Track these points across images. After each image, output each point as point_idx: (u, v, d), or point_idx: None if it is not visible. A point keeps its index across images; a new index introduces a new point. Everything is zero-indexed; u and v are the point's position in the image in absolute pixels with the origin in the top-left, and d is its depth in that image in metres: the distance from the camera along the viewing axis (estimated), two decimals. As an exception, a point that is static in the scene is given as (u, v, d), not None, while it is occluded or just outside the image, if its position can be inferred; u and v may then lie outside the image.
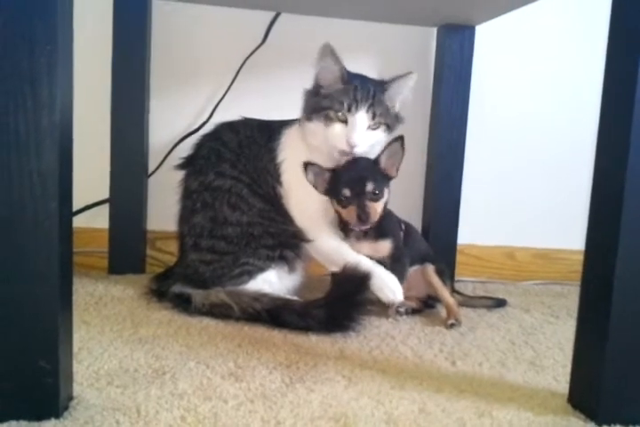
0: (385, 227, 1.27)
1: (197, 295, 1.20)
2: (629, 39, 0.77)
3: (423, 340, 1.13)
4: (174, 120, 1.60)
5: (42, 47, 0.67)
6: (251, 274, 1.23)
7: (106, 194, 1.51)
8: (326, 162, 1.23)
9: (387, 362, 1.00)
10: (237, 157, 1.28)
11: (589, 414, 0.81)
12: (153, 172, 1.57)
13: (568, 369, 0.87)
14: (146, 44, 1.48)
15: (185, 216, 1.31)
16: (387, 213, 1.29)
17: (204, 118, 1.57)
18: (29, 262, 0.70)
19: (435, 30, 1.64)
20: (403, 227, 1.33)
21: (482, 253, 1.72)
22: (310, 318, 1.12)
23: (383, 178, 1.22)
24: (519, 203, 1.74)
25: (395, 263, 1.26)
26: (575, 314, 0.86)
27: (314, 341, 1.08)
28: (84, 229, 1.53)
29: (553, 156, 1.73)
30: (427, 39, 1.66)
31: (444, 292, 1.28)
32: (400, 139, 1.20)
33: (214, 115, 1.57)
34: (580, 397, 0.84)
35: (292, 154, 1.27)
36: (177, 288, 1.25)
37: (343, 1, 1.41)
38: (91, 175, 1.45)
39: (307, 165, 1.21)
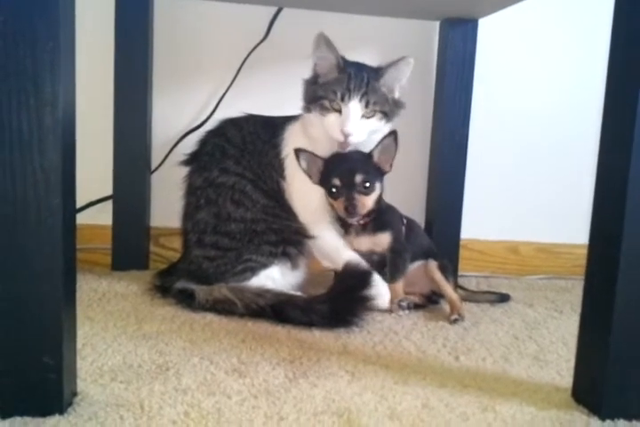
0: (384, 220, 1.27)
1: (201, 291, 1.20)
2: (633, 33, 0.76)
3: (426, 335, 1.13)
4: (177, 116, 1.60)
5: (44, 45, 0.67)
6: (254, 270, 1.24)
7: (109, 191, 1.51)
8: (330, 152, 1.24)
9: (390, 357, 1.00)
10: (241, 153, 1.28)
11: (593, 408, 0.81)
12: (156, 168, 1.57)
13: (572, 364, 0.87)
14: (148, 40, 1.48)
15: (189, 212, 1.31)
16: (387, 207, 1.29)
17: (207, 114, 1.57)
18: (33, 259, 0.70)
19: (437, 24, 1.63)
20: (404, 222, 1.33)
21: (485, 247, 1.72)
22: (313, 313, 1.12)
23: (376, 172, 1.22)
24: (522, 197, 1.74)
25: (395, 257, 1.26)
26: (579, 309, 0.86)
27: (317, 336, 1.09)
28: (88, 226, 1.53)
29: (556, 150, 1.73)
30: (429, 33, 1.66)
31: (447, 287, 1.28)
32: (393, 134, 1.20)
33: (217, 111, 1.56)
34: (584, 391, 0.84)
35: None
36: (180, 284, 1.25)
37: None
38: (94, 172, 1.46)
39: (298, 152, 1.22)
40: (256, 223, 1.24)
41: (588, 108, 1.62)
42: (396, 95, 1.27)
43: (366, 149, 1.23)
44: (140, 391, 0.82)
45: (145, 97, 1.49)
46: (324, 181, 1.23)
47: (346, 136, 1.19)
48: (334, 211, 1.26)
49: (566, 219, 1.70)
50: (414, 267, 1.31)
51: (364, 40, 1.63)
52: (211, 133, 1.34)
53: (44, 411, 0.73)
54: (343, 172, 1.20)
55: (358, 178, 1.19)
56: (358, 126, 1.19)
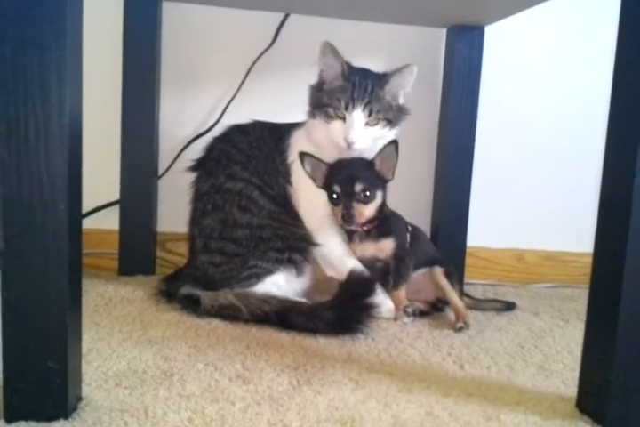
0: (388, 227, 1.28)
1: (206, 297, 1.20)
2: (638, 38, 0.76)
3: (431, 343, 1.12)
4: (184, 122, 1.61)
5: (51, 51, 0.68)
6: (259, 277, 1.24)
7: (116, 195, 1.52)
8: (334, 157, 1.24)
9: (394, 365, 1.00)
10: (248, 159, 1.29)
11: (597, 418, 0.81)
12: (163, 173, 1.58)
13: (577, 373, 0.87)
14: (156, 45, 1.49)
15: (195, 218, 1.31)
16: (391, 214, 1.29)
17: (214, 120, 1.58)
18: (38, 264, 0.71)
19: (444, 31, 1.63)
20: (409, 229, 1.33)
21: (491, 255, 1.71)
22: (318, 320, 1.12)
23: (377, 180, 1.23)
24: (528, 205, 1.73)
25: (398, 263, 1.26)
26: (585, 318, 0.85)
27: (322, 343, 1.08)
28: (95, 231, 1.54)
29: (563, 158, 1.72)
30: (436, 40, 1.66)
31: (453, 295, 1.28)
32: (394, 143, 1.21)
33: (224, 116, 1.57)
34: (589, 401, 0.84)
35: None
36: (186, 290, 1.25)
37: (352, 2, 1.42)
38: (101, 177, 1.47)
39: (302, 156, 1.22)
40: (262, 229, 1.25)
41: (594, 116, 1.62)
42: (401, 101, 1.27)
43: (371, 155, 1.23)
44: (145, 397, 0.82)
45: (152, 102, 1.50)
46: (326, 186, 1.24)
47: (349, 144, 1.20)
48: (334, 217, 1.26)
49: (573, 227, 1.70)
50: (419, 274, 1.31)
51: (370, 47, 1.63)
52: (217, 139, 1.35)
53: (49, 416, 0.73)
54: (344, 179, 1.20)
55: (358, 187, 1.20)
56: (362, 134, 1.20)
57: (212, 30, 1.60)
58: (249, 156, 1.29)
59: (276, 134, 1.32)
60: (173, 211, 1.43)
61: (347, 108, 1.20)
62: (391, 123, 1.24)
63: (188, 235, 1.35)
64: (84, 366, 0.84)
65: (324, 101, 1.22)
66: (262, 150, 1.30)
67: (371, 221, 1.24)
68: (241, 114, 1.37)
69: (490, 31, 1.58)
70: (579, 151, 1.70)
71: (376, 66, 1.29)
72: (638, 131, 0.75)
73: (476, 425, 0.79)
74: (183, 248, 1.44)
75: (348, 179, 1.20)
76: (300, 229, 1.27)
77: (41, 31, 0.68)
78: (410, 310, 1.25)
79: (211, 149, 1.34)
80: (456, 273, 1.34)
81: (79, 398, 0.79)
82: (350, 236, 1.29)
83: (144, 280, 1.46)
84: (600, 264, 0.83)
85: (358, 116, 1.20)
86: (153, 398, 0.82)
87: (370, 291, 1.14)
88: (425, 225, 1.60)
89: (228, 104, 1.58)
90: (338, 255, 1.28)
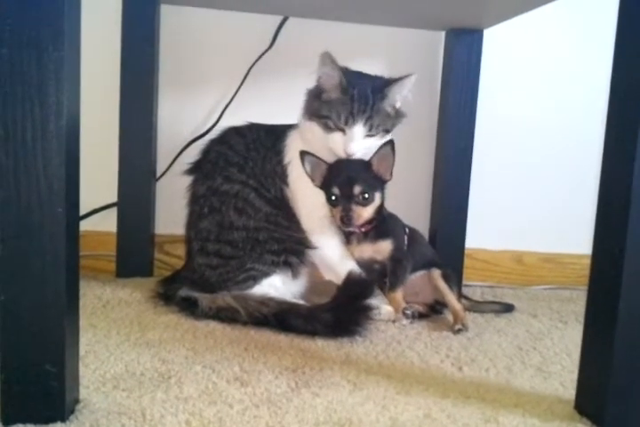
0: (386, 228, 1.28)
1: (204, 299, 1.20)
2: (637, 42, 0.77)
3: (430, 345, 1.12)
4: (182, 124, 1.61)
5: (49, 54, 0.68)
6: (256, 279, 1.24)
7: (114, 198, 1.52)
8: (328, 159, 1.25)
9: (392, 367, 1.00)
10: (245, 161, 1.29)
11: (596, 420, 0.81)
12: (161, 175, 1.58)
13: (575, 375, 0.87)
14: (154, 48, 1.49)
15: (192, 221, 1.31)
16: (389, 216, 1.29)
17: (213, 122, 1.58)
18: (35, 267, 0.71)
19: (443, 34, 1.64)
20: (407, 231, 1.33)
21: (490, 257, 1.71)
22: (317, 322, 1.12)
23: (376, 182, 1.23)
24: (527, 207, 1.74)
25: (395, 265, 1.26)
26: (583, 319, 0.85)
27: (320, 345, 1.08)
28: (93, 233, 1.54)
29: (561, 160, 1.73)
30: (435, 43, 1.66)
31: (451, 297, 1.27)
32: (390, 143, 1.21)
33: (222, 119, 1.57)
34: (587, 403, 0.84)
35: (297, 155, 1.27)
36: (184, 292, 1.25)
37: (351, 5, 1.42)
38: (99, 179, 1.47)
39: (303, 155, 1.23)
40: (258, 232, 1.25)
41: (592, 119, 1.62)
42: (397, 106, 1.28)
43: (368, 155, 1.24)
44: (142, 400, 0.82)
45: (151, 104, 1.50)
46: (325, 187, 1.24)
47: (348, 155, 1.21)
48: (333, 218, 1.26)
49: (571, 229, 1.69)
50: (417, 276, 1.31)
51: (369, 50, 1.63)
52: (214, 142, 1.34)
53: (47, 418, 0.73)
54: (343, 181, 1.21)
55: (357, 189, 1.20)
56: (361, 146, 1.21)
57: (211, 33, 1.60)
58: (246, 158, 1.29)
59: (273, 136, 1.32)
60: (171, 213, 1.43)
61: (346, 123, 1.20)
62: (389, 132, 1.26)
63: (185, 237, 1.35)
64: (82, 369, 0.83)
65: (323, 113, 1.22)
66: (259, 152, 1.30)
67: (369, 222, 1.24)
68: (239, 116, 1.37)
69: (489, 34, 1.58)
70: (577, 153, 1.70)
71: (374, 69, 1.29)
72: (636, 134, 0.75)
73: (474, 427, 0.79)
74: (181, 250, 1.44)
75: (347, 181, 1.20)
76: (297, 231, 1.27)
77: (39, 33, 0.67)
78: (409, 312, 1.25)
79: (207, 151, 1.34)
80: (454, 276, 1.34)
81: (77, 401, 0.79)
82: (348, 237, 1.29)
83: (142, 282, 1.45)
84: (598, 266, 0.83)
85: (359, 130, 1.21)
86: (150, 400, 0.81)
87: (368, 293, 1.14)
88: (424, 227, 1.60)
89: (227, 107, 1.58)
90: (336, 258, 1.28)
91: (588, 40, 1.68)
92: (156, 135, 1.54)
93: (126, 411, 0.78)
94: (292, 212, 1.28)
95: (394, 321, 1.24)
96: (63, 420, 0.74)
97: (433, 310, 1.33)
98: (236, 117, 1.38)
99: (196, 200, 1.31)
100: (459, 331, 1.20)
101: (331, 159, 1.24)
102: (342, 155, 1.22)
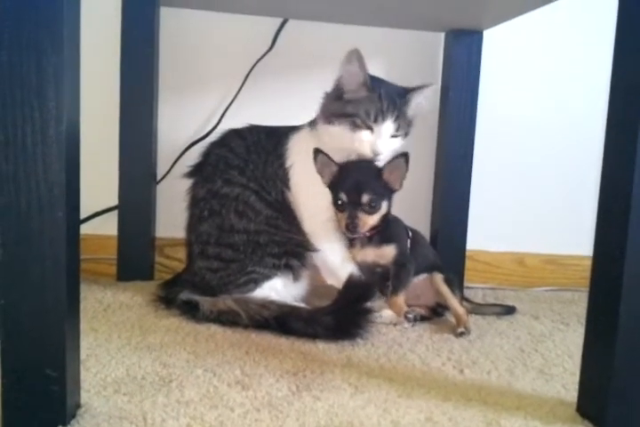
0: (390, 233, 1.27)
1: (205, 302, 1.20)
2: (636, 43, 0.77)
3: (431, 348, 1.12)
4: (183, 127, 1.61)
5: (48, 58, 0.68)
6: (257, 282, 1.24)
7: (114, 201, 1.51)
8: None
9: (394, 370, 0.99)
10: (245, 164, 1.28)
11: (598, 423, 0.81)
12: (162, 178, 1.58)
13: (577, 377, 0.87)
14: (154, 50, 1.49)
15: (193, 224, 1.31)
16: (393, 220, 1.29)
17: (213, 125, 1.58)
18: (36, 271, 0.70)
19: (442, 35, 1.64)
20: (410, 234, 1.33)
21: (491, 259, 1.71)
22: (318, 325, 1.12)
23: (384, 190, 1.22)
24: (529, 208, 1.74)
25: (399, 269, 1.26)
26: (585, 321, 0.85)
27: (321, 348, 1.08)
28: (93, 236, 1.54)
29: (562, 161, 1.72)
30: (434, 44, 1.66)
31: (453, 300, 1.27)
32: (405, 155, 1.20)
33: (223, 121, 1.57)
34: (589, 405, 0.84)
35: (300, 158, 1.27)
36: (185, 295, 1.25)
37: (350, 7, 1.42)
38: (99, 182, 1.47)
39: (317, 153, 1.22)
40: (259, 235, 1.24)
41: (593, 120, 1.62)
42: (412, 113, 1.29)
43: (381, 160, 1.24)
44: (143, 404, 0.81)
45: (151, 107, 1.50)
46: (332, 188, 1.23)
47: (375, 154, 1.21)
48: (337, 222, 1.26)
49: (573, 230, 1.69)
50: (419, 279, 1.31)
51: (369, 51, 1.62)
52: (214, 144, 1.34)
53: (48, 423, 0.73)
54: (352, 187, 1.20)
55: (365, 198, 1.19)
56: (387, 145, 1.22)
57: (210, 35, 1.60)
58: (246, 160, 1.29)
59: (274, 138, 1.31)
60: (172, 216, 1.43)
61: (376, 120, 1.20)
62: (406, 135, 1.27)
63: (185, 241, 1.35)
64: (83, 373, 0.83)
65: (349, 111, 1.21)
66: (260, 155, 1.29)
67: (374, 227, 1.24)
68: (239, 119, 1.37)
69: (488, 35, 1.58)
70: (578, 154, 1.70)
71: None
72: (636, 134, 0.75)
73: (476, 430, 0.78)
74: (182, 253, 1.44)
75: (356, 187, 1.19)
76: (297, 234, 1.27)
77: (38, 36, 0.67)
78: (411, 315, 1.24)
79: (207, 154, 1.33)
80: (456, 279, 1.34)
81: (78, 405, 0.79)
82: (351, 241, 1.28)
83: (142, 286, 1.45)
84: (599, 267, 0.83)
85: (387, 128, 1.21)
86: (152, 404, 0.81)
87: (369, 296, 1.13)
88: (425, 228, 1.60)
89: (227, 109, 1.58)
90: (338, 261, 1.28)
91: (588, 40, 1.68)
92: (156, 138, 1.54)
93: (127, 415, 0.78)
94: (292, 215, 1.28)
95: (395, 324, 1.24)
96: (64, 424, 0.73)
97: (434, 313, 1.32)
98: (237, 120, 1.38)
99: (196, 203, 1.30)
100: (461, 334, 1.20)
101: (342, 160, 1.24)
102: (369, 154, 1.21)
